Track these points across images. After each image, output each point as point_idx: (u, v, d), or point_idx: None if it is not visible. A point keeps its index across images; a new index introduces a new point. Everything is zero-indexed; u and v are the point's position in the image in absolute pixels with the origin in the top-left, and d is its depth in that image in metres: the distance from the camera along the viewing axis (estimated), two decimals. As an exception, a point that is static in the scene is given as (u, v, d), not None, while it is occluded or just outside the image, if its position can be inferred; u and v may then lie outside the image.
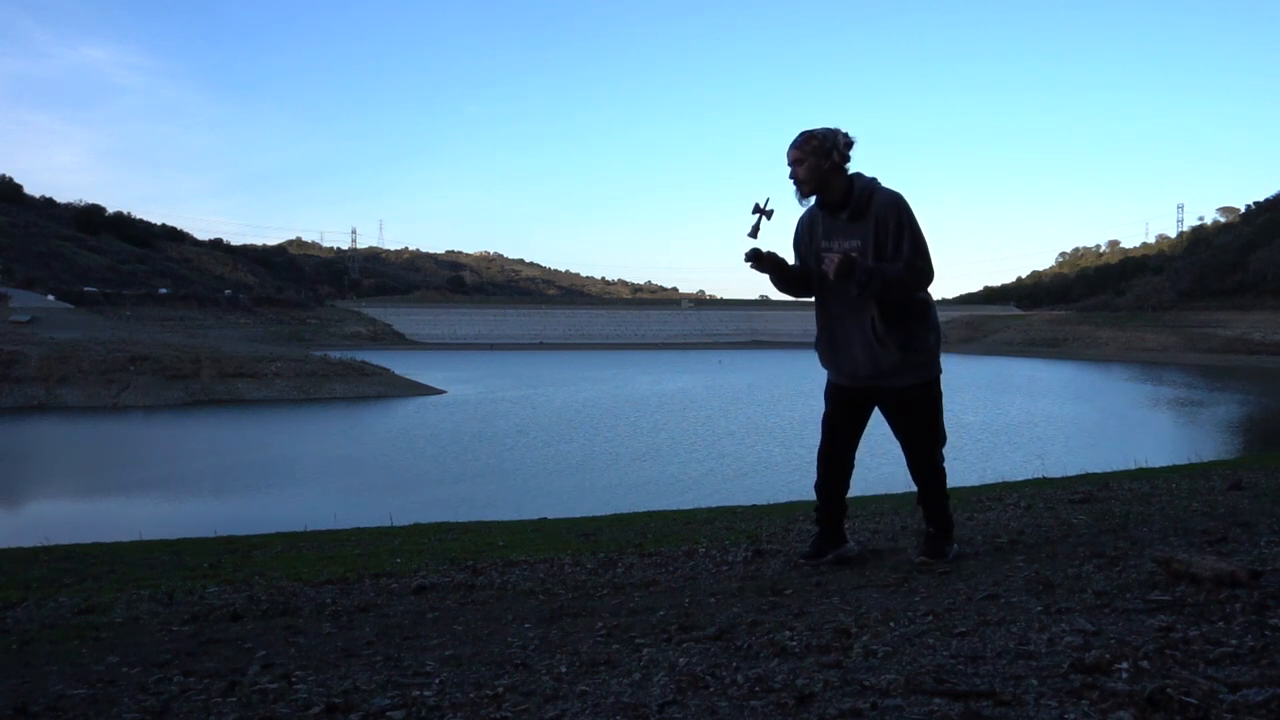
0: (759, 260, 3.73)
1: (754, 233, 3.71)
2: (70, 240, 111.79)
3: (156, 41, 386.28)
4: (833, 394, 3.91)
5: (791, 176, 3.69)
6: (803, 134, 3.63)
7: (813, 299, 3.90)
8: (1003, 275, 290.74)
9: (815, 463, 3.97)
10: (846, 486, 3.95)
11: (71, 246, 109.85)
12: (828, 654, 2.34)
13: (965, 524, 4.72)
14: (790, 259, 3.86)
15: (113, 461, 24.87)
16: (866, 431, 3.95)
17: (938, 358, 3.78)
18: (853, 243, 3.62)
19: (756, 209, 3.72)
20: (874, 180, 3.68)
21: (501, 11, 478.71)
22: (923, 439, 3.78)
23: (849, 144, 3.63)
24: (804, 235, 3.83)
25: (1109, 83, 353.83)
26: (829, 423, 3.90)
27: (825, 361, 3.90)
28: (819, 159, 3.60)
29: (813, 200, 3.74)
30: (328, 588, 4.16)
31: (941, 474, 3.83)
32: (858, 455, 4.00)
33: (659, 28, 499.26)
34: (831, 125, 3.65)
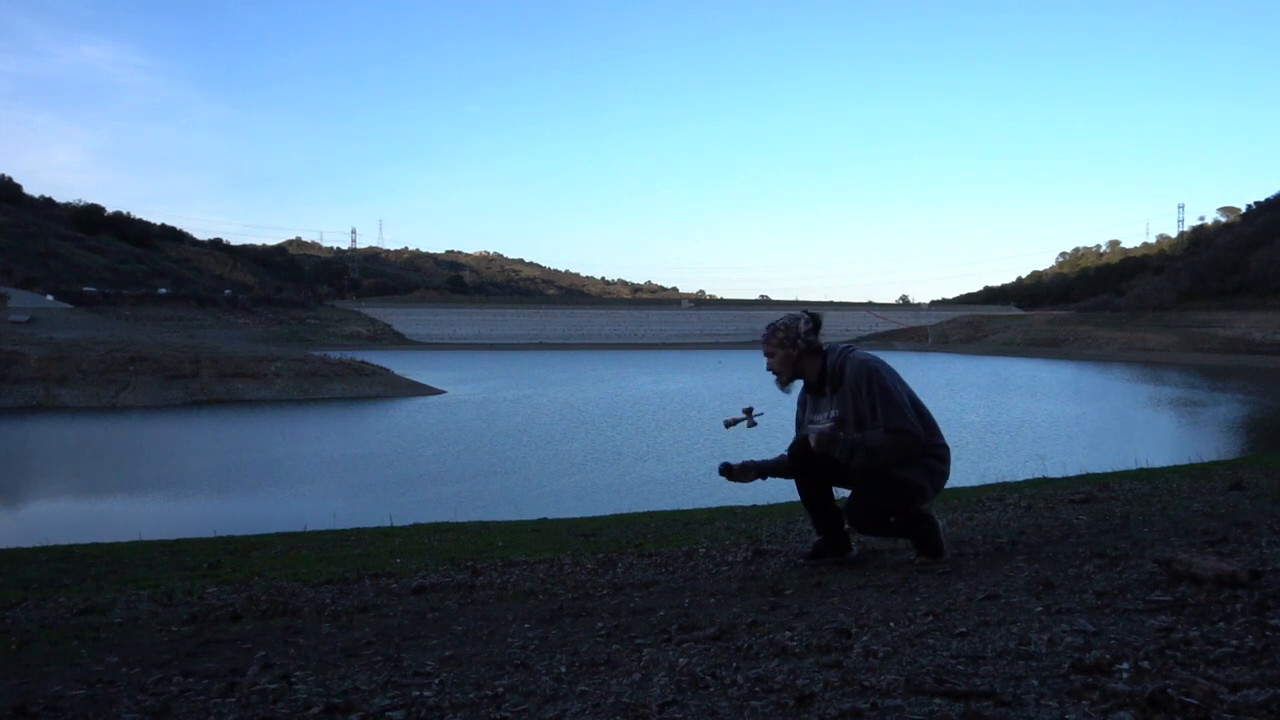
0: (734, 475, 3.90)
1: (728, 424, 4.00)
2: (69, 240, 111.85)
3: (156, 41, 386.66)
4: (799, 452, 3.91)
5: (768, 368, 3.92)
6: (768, 328, 3.92)
7: None
8: (1003, 275, 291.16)
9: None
10: (829, 501, 3.95)
11: (71, 246, 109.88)
12: (828, 654, 2.34)
13: (965, 524, 4.73)
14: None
15: (112, 461, 24.85)
16: None
17: (921, 491, 3.73)
18: (833, 414, 3.79)
19: (747, 413, 3.99)
20: (846, 351, 3.84)
21: (502, 12, 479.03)
22: (859, 510, 3.75)
23: (811, 327, 3.85)
24: (800, 414, 4.02)
25: (1109, 83, 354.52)
26: (796, 455, 3.90)
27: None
28: (787, 349, 3.85)
29: (796, 386, 3.96)
30: (327, 588, 4.16)
31: (876, 529, 3.82)
32: None
33: (660, 28, 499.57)
34: (795, 312, 3.90)
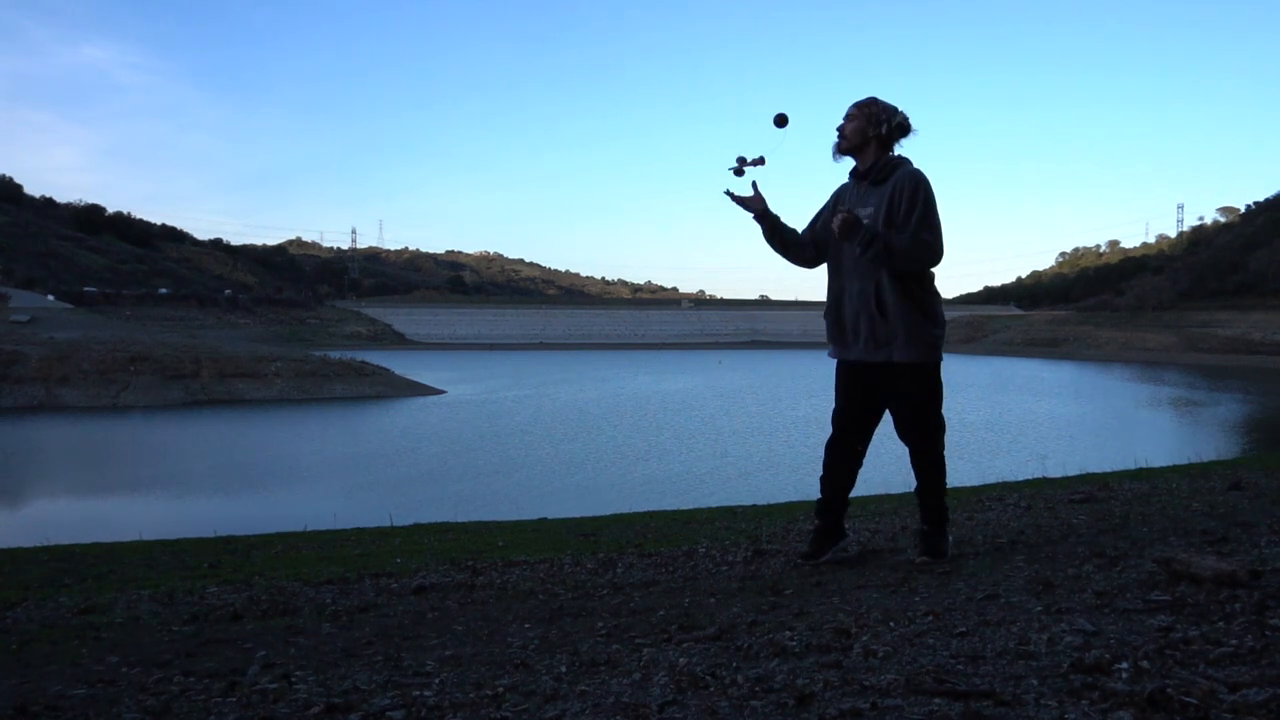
0: (744, 204, 3.84)
1: (739, 171, 3.78)
2: (70, 240, 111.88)
3: (156, 41, 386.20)
4: (841, 380, 3.93)
5: (838, 129, 3.79)
6: (868, 98, 3.76)
7: (796, 261, 4.01)
8: (1003, 275, 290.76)
9: (822, 457, 3.99)
10: (852, 481, 3.95)
11: (71, 246, 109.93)
12: (828, 654, 2.34)
13: (965, 524, 4.72)
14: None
15: (113, 461, 24.86)
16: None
17: (938, 347, 3.78)
18: (867, 209, 3.70)
19: (740, 162, 3.78)
20: (906, 160, 3.75)
21: (502, 11, 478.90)
22: (923, 423, 3.78)
23: (903, 126, 3.73)
24: (829, 205, 3.91)
25: (1109, 83, 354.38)
26: (838, 417, 3.93)
27: (829, 333, 3.96)
28: (867, 124, 3.72)
29: (845, 162, 3.84)
30: (328, 588, 4.16)
31: (942, 464, 3.84)
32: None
33: (660, 29, 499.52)
34: (895, 106, 3.74)
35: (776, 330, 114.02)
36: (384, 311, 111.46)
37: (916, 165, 3.75)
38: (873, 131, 3.72)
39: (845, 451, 3.91)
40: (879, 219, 3.65)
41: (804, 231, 3.96)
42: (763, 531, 5.20)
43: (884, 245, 3.59)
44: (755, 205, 3.90)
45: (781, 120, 3.74)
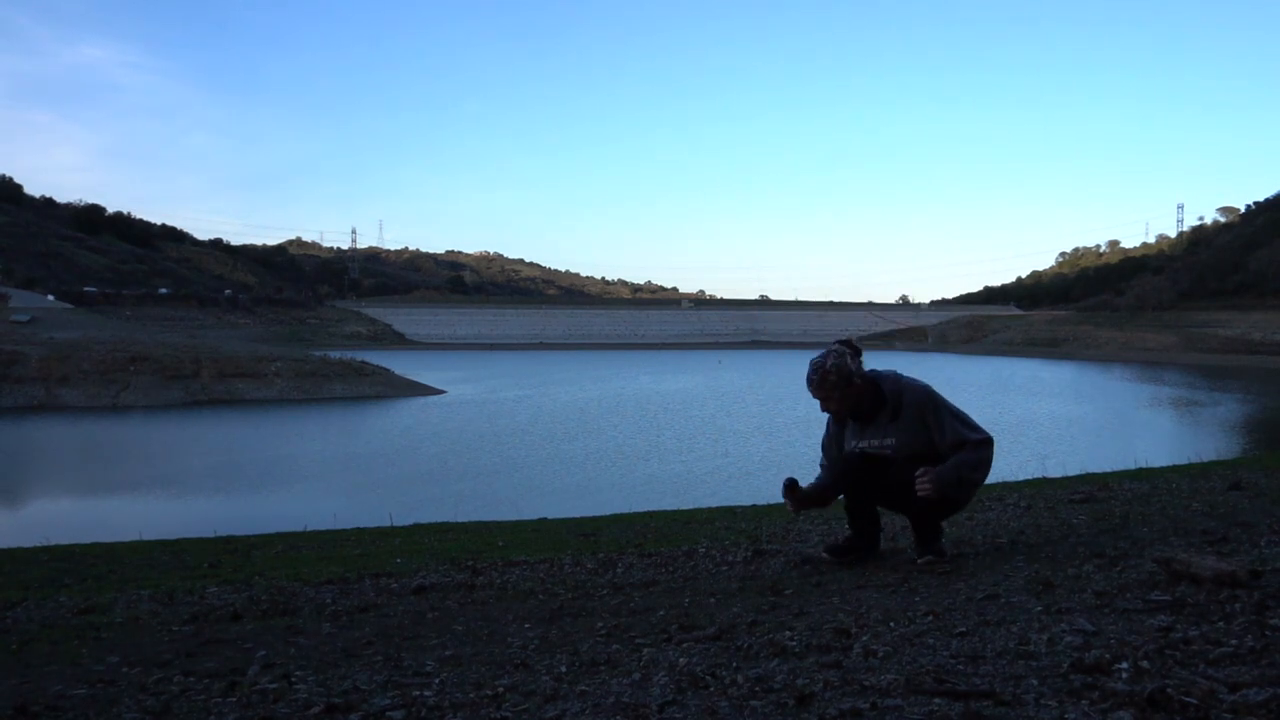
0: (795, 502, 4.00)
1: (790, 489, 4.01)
2: (70, 240, 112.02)
3: (156, 41, 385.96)
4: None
5: (824, 409, 3.94)
6: (817, 372, 3.85)
7: None
8: (1003, 275, 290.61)
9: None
10: (875, 513, 3.98)
11: (71, 246, 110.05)
12: (828, 654, 2.34)
13: (965, 524, 4.73)
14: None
15: (113, 461, 24.85)
16: None
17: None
18: (887, 441, 3.81)
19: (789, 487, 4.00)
20: (896, 379, 3.86)
21: (502, 11, 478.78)
22: (929, 509, 3.77)
23: (858, 356, 3.87)
24: (832, 436, 4.04)
25: (1109, 83, 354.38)
26: (847, 491, 3.94)
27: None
28: (843, 390, 3.84)
29: None
30: (328, 588, 4.16)
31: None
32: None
33: (660, 28, 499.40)
34: (833, 348, 3.88)
35: (776, 330, 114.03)
36: (384, 311, 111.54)
37: (903, 377, 3.87)
38: (851, 390, 3.83)
39: (861, 500, 3.93)
40: (903, 450, 3.75)
41: (824, 475, 4.05)
42: (763, 531, 5.20)
43: (968, 469, 3.69)
44: (802, 502, 4.01)
45: (792, 487, 4.00)
